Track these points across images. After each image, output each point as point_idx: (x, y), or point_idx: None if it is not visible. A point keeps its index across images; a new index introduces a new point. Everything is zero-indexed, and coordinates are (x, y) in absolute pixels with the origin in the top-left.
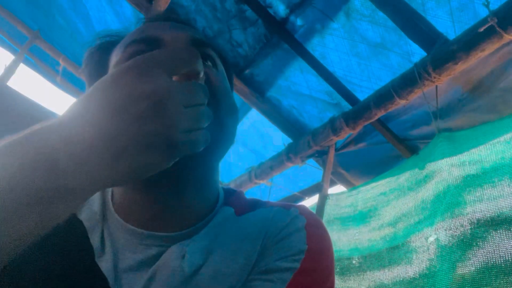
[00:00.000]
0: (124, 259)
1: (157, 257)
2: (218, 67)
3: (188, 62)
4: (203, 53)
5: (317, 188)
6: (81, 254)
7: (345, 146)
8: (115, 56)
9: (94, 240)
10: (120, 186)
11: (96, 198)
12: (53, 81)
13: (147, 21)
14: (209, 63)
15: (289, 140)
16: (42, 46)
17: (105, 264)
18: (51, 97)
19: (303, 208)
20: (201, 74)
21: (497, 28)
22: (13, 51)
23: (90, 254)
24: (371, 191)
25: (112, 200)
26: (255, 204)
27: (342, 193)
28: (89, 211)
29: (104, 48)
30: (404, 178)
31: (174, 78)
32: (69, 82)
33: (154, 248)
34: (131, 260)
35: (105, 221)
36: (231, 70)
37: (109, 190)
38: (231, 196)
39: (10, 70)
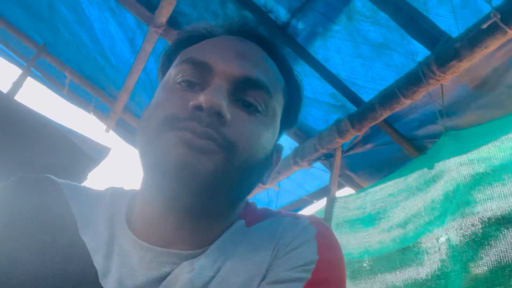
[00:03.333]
0: (136, 276)
1: (169, 274)
2: (269, 108)
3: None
4: (248, 93)
5: (325, 191)
6: (84, 275)
7: (351, 148)
8: (175, 63)
9: (99, 260)
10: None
11: (102, 218)
12: (60, 94)
13: (226, 30)
14: (249, 104)
15: (295, 144)
16: (48, 60)
17: (110, 284)
18: (58, 110)
19: (314, 218)
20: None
21: (501, 24)
22: (19, 65)
23: (93, 275)
24: (380, 192)
25: (128, 218)
26: (266, 214)
27: (350, 195)
28: (94, 232)
29: (175, 46)
30: (412, 178)
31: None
32: (76, 94)
33: (168, 266)
34: (143, 277)
35: (115, 239)
36: (296, 112)
37: (123, 210)
38: (244, 208)
39: (17, 84)
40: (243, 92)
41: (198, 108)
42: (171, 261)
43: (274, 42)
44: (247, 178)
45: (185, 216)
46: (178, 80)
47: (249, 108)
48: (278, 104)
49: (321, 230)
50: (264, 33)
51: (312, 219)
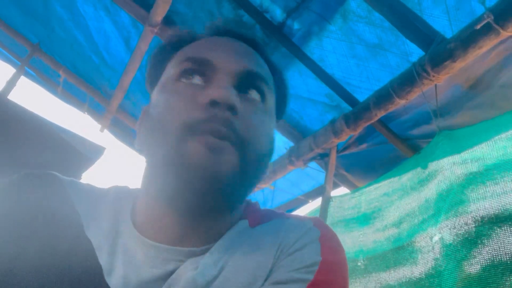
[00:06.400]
0: (141, 273)
1: (174, 272)
2: (267, 102)
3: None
4: (251, 85)
5: (320, 190)
6: (88, 272)
7: (346, 147)
8: (172, 65)
9: (104, 257)
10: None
11: (106, 215)
12: (54, 93)
13: (212, 32)
14: (252, 96)
15: (291, 144)
16: (42, 58)
17: (115, 281)
18: (52, 109)
19: (317, 221)
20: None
21: (494, 25)
22: (13, 64)
23: (98, 272)
24: (374, 192)
25: (132, 216)
26: (270, 216)
27: (345, 195)
28: (98, 228)
29: (166, 50)
30: (406, 178)
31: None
32: (70, 93)
33: (172, 263)
34: (148, 275)
35: (119, 237)
36: (283, 106)
37: (129, 206)
38: (247, 208)
39: (11, 83)
40: (246, 85)
41: (214, 103)
42: (175, 258)
43: (259, 42)
44: (259, 172)
45: (193, 215)
46: (181, 79)
47: (254, 99)
48: (272, 96)
49: (324, 232)
50: (249, 34)
51: (316, 221)
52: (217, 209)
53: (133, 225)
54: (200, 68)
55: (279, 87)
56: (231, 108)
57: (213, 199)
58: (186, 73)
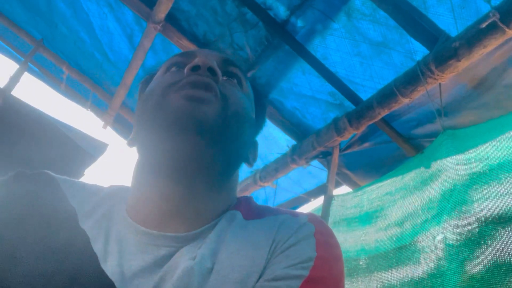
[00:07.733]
0: (135, 260)
1: (166, 257)
2: (243, 87)
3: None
4: (229, 71)
5: (322, 189)
6: (85, 261)
7: (349, 146)
8: (161, 67)
9: (99, 246)
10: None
11: (102, 207)
12: (57, 89)
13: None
14: (231, 79)
15: (293, 142)
16: (45, 55)
17: (111, 268)
18: (55, 105)
19: (312, 216)
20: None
21: (500, 24)
22: (17, 60)
23: (94, 260)
24: (377, 191)
25: (127, 206)
26: (264, 211)
27: (348, 194)
28: (94, 221)
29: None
30: (409, 177)
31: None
32: (73, 89)
33: (164, 249)
34: (141, 261)
35: (113, 225)
36: (261, 99)
37: (124, 199)
38: (241, 201)
39: (15, 79)
40: (224, 69)
41: (195, 68)
42: (167, 244)
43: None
44: (239, 133)
45: (182, 184)
46: (168, 67)
47: (232, 82)
48: (250, 91)
49: (319, 227)
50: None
51: (310, 216)
52: (200, 165)
53: (127, 212)
54: (187, 60)
55: (257, 104)
56: (211, 71)
57: (193, 150)
58: (174, 65)
